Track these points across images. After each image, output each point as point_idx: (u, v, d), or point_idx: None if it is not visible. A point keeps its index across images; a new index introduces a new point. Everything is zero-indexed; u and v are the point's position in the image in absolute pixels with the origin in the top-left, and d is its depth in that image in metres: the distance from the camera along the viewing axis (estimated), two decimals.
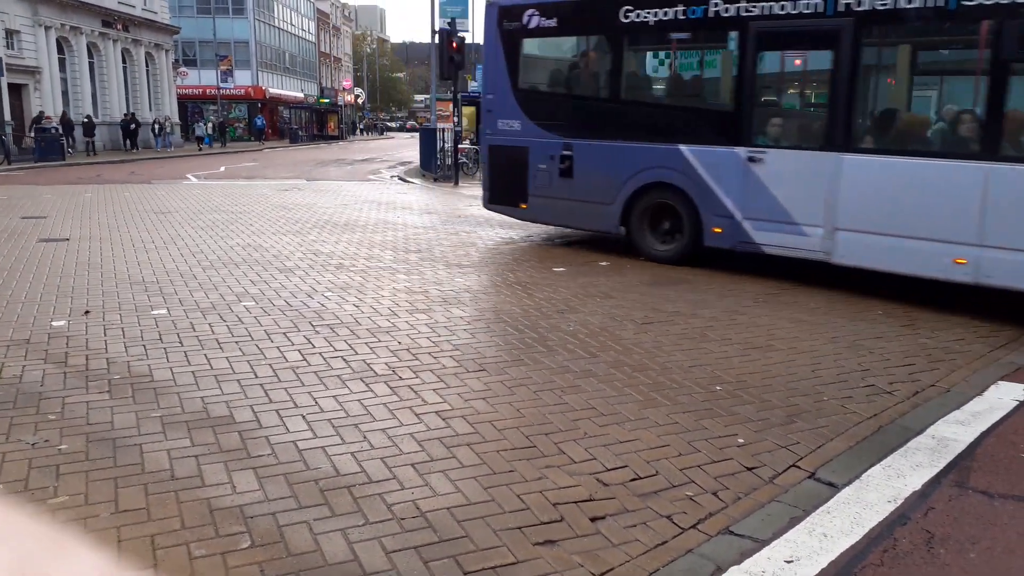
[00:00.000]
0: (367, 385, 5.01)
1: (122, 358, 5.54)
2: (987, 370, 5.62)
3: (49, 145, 28.98)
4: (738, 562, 3.06)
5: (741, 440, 4.27)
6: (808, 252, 8.17)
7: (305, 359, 5.53)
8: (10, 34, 31.22)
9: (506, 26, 10.64)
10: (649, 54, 10.25)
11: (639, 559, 3.08)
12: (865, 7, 7.56)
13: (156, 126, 39.31)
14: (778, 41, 8.55)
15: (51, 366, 5.35)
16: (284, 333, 6.20)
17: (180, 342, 5.94)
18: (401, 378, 5.16)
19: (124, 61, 40.07)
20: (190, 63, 53.70)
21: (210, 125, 45.86)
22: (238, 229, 12.09)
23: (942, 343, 6.34)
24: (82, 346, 5.83)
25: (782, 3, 8.13)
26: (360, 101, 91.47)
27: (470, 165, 23.71)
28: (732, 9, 8.49)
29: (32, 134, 29.71)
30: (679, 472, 3.85)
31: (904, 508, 3.51)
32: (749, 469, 3.91)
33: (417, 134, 32.63)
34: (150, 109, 41.76)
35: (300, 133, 58.54)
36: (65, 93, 35.01)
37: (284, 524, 3.26)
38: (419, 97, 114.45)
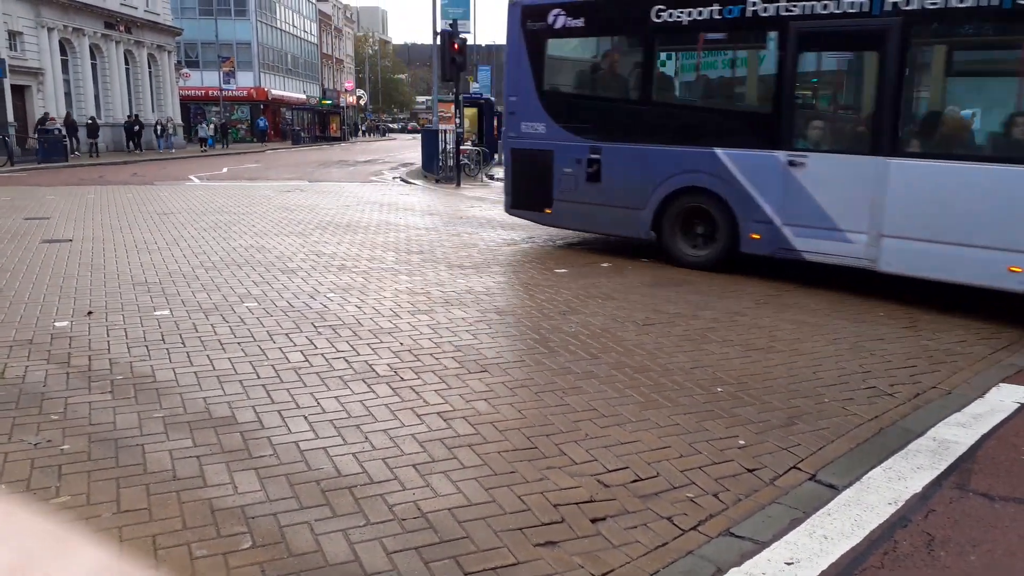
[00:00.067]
0: (369, 386, 5.02)
1: (125, 359, 5.55)
2: (988, 372, 5.62)
3: (52, 146, 29.02)
4: (738, 564, 3.07)
5: (742, 442, 4.27)
6: (852, 259, 7.91)
7: (307, 360, 5.54)
8: (13, 35, 31.28)
9: (530, 26, 10.36)
10: (683, 55, 9.90)
11: (639, 560, 3.09)
12: (914, 6, 7.28)
13: (158, 127, 39.37)
14: (820, 42, 8.33)
15: (54, 366, 5.37)
16: (286, 334, 6.21)
17: (183, 343, 5.95)
18: (403, 379, 5.17)
19: (126, 63, 40.14)
20: (192, 65, 53.80)
21: (212, 126, 45.90)
22: (240, 230, 12.11)
23: (944, 345, 6.34)
24: (85, 347, 5.84)
25: (824, 2, 7.87)
26: (362, 102, 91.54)
27: (472, 167, 23.73)
28: (771, 9, 8.23)
29: (35, 135, 29.77)
30: (680, 473, 3.86)
31: (905, 510, 3.51)
32: (750, 471, 3.91)
33: (419, 135, 32.66)
34: (152, 110, 41.82)
35: (302, 134, 58.62)
36: (68, 94, 35.07)
37: (285, 524, 3.27)
38: (421, 98, 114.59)
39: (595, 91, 10.68)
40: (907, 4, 7.33)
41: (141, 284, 8.03)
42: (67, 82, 35.20)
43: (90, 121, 34.31)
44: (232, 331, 6.29)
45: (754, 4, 8.36)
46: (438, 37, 22.65)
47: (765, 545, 3.20)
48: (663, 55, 9.74)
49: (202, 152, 40.79)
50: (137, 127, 37.26)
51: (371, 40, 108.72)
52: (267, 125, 55.38)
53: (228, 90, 52.44)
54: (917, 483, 3.77)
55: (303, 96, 68.70)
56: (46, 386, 4.97)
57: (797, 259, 8.35)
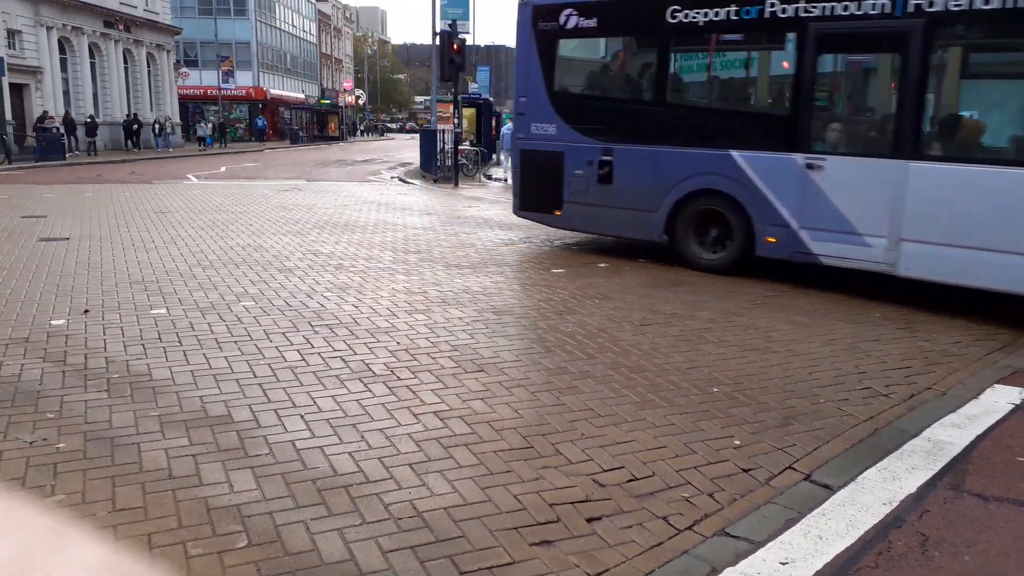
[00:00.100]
0: (365, 385, 5.02)
1: (121, 357, 5.55)
2: (983, 373, 5.63)
3: (50, 144, 28.99)
4: (733, 563, 3.07)
5: (737, 442, 4.28)
6: (871, 264, 7.79)
7: (304, 359, 5.54)
8: (12, 34, 31.24)
9: (541, 26, 10.21)
10: (698, 56, 9.70)
11: (635, 560, 3.09)
12: (938, 7, 7.14)
13: (156, 126, 39.34)
14: (840, 43, 8.20)
15: (50, 365, 5.36)
16: (283, 333, 6.22)
17: (179, 341, 5.95)
18: (399, 378, 5.17)
19: (125, 61, 40.09)
20: (191, 64, 53.75)
21: (210, 126, 45.88)
22: (238, 229, 12.10)
23: (939, 346, 6.35)
24: (81, 345, 5.84)
25: (845, 3, 7.73)
26: (361, 102, 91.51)
27: (470, 167, 23.75)
28: (790, 10, 8.10)
29: (34, 133, 29.75)
30: (675, 473, 3.86)
31: (899, 511, 3.52)
32: (745, 471, 3.92)
33: (417, 135, 32.66)
34: (151, 109, 41.78)
35: (301, 134, 58.59)
36: (66, 93, 35.03)
37: (281, 523, 3.27)
38: (419, 98, 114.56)
39: (607, 92, 10.53)
40: (930, 6, 7.20)
41: (138, 282, 8.03)
42: (66, 81, 35.16)
43: (88, 120, 34.28)
44: (229, 330, 6.29)
45: (772, 5, 8.23)
46: (437, 37, 22.65)
47: (760, 545, 3.20)
48: (678, 56, 9.60)
49: (200, 151, 40.75)
50: (136, 126, 37.22)
51: (370, 40, 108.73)
52: (266, 124, 55.33)
53: (227, 89, 52.40)
54: (912, 483, 3.78)
55: (302, 96, 68.67)
56: (42, 384, 4.97)
57: (814, 263, 8.23)
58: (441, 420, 4.46)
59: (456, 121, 22.29)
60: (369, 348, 5.85)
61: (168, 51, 44.27)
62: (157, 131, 39.18)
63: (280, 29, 65.21)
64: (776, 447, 4.22)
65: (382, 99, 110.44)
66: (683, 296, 7.97)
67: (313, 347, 5.84)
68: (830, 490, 3.71)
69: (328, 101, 73.55)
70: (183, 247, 10.29)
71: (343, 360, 5.54)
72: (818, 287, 8.35)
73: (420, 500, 3.50)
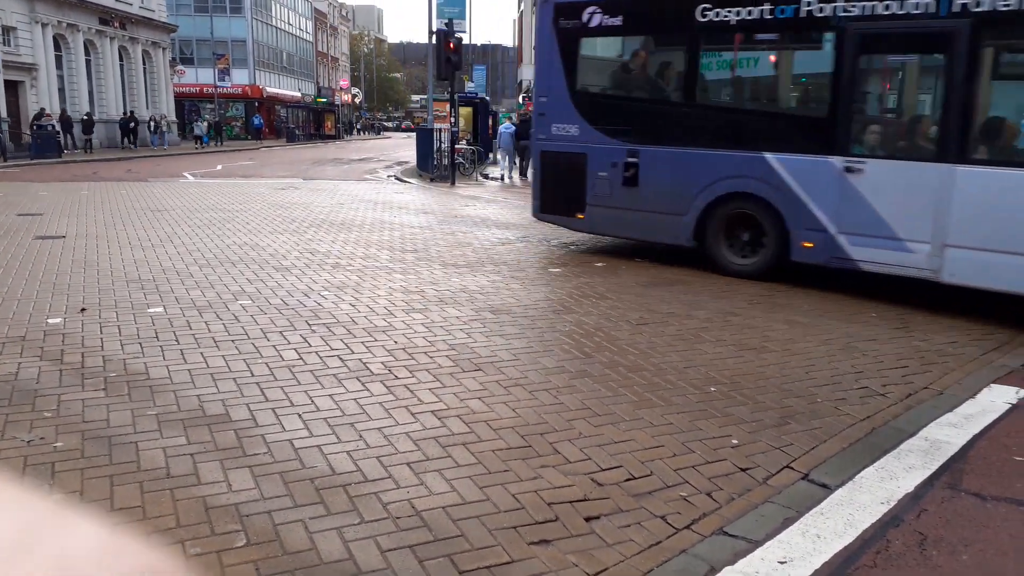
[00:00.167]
0: (363, 384, 5.02)
1: (118, 356, 5.54)
2: (980, 373, 5.65)
3: (45, 142, 28.92)
4: (732, 562, 3.08)
5: (735, 441, 4.28)
6: (913, 270, 7.53)
7: (301, 358, 5.54)
8: (6, 31, 31.15)
9: (563, 24, 9.90)
10: (730, 56, 9.36)
11: (633, 559, 3.10)
12: (985, 7, 6.90)
13: (152, 124, 39.25)
14: (881, 44, 7.95)
15: (47, 363, 5.35)
16: (280, 332, 6.21)
17: (176, 340, 5.94)
18: (397, 377, 5.17)
19: (121, 59, 39.98)
20: (187, 62, 53.62)
21: (205, 124, 45.80)
22: (234, 227, 12.08)
23: (935, 346, 6.37)
24: (78, 344, 5.82)
25: (887, 3, 7.47)
26: (357, 101, 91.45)
27: (466, 165, 23.74)
28: (828, 9, 7.84)
29: (29, 131, 29.67)
30: (673, 472, 3.87)
31: (897, 510, 3.53)
32: (743, 470, 3.93)
33: (414, 134, 32.65)
34: (147, 107, 41.68)
35: (297, 132, 58.47)
36: (61, 90, 34.93)
37: (279, 523, 3.27)
38: (416, 97, 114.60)
39: (633, 92, 10.23)
40: (977, 5, 6.98)
41: (135, 281, 8.01)
42: (61, 78, 35.06)
43: (85, 117, 34.20)
44: (226, 329, 6.28)
45: (809, 4, 7.97)
46: (433, 36, 22.65)
47: (758, 544, 3.21)
48: (709, 56, 9.30)
49: (197, 149, 40.67)
50: (132, 123, 37.14)
51: (367, 38, 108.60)
52: (262, 123, 55.24)
53: (223, 87, 52.30)
54: (909, 483, 3.79)
55: (298, 94, 68.57)
56: (39, 383, 4.96)
57: (853, 269, 8.00)
58: (439, 419, 4.46)
59: (453, 120, 22.28)
60: (366, 347, 5.84)
61: (164, 49, 44.16)
62: (152, 129, 39.09)
63: (276, 27, 65.11)
64: (774, 446, 4.23)
65: (378, 98, 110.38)
66: (680, 295, 7.98)
67: (310, 346, 5.84)
68: (828, 489, 3.72)
69: (324, 99, 73.46)
70: (179, 245, 10.28)
71: (340, 359, 5.54)
72: (815, 287, 8.37)
73: (418, 499, 3.50)
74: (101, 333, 6.12)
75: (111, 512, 3.34)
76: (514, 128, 23.77)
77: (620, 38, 10.15)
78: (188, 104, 52.49)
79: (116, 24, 38.50)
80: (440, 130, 22.70)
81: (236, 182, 21.68)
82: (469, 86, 43.13)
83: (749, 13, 8.43)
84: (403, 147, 44.51)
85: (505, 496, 3.56)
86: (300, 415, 4.46)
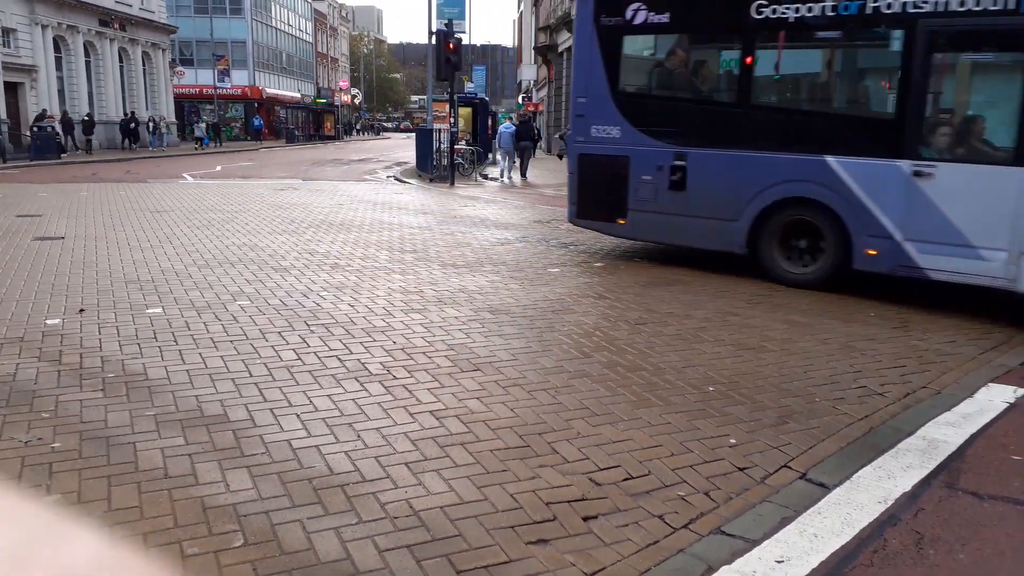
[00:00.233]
0: (361, 384, 5.02)
1: (116, 356, 5.54)
2: (978, 372, 5.65)
3: (45, 143, 28.92)
4: (729, 562, 3.08)
5: (733, 440, 4.29)
6: (987, 279, 7.19)
7: (300, 358, 5.54)
8: (6, 32, 31.16)
9: (604, 21, 9.49)
10: (788, 54, 8.99)
11: (631, 558, 3.10)
12: None
13: (151, 125, 39.27)
14: (955, 42, 7.59)
15: (45, 364, 5.35)
16: (279, 332, 6.21)
17: (175, 341, 5.94)
18: (395, 377, 5.17)
19: (121, 60, 40.00)
20: (187, 63, 53.63)
21: (204, 125, 45.83)
22: (234, 228, 12.09)
23: (933, 345, 6.37)
24: (76, 344, 5.83)
25: None
26: (357, 101, 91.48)
27: (466, 166, 23.76)
28: (897, 5, 7.47)
29: (29, 132, 29.68)
30: (671, 472, 3.87)
31: (894, 509, 3.53)
32: (741, 469, 3.93)
33: (413, 135, 32.65)
34: (147, 108, 41.69)
35: (296, 133, 58.48)
36: (61, 92, 34.94)
37: (277, 523, 3.27)
38: (415, 98, 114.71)
39: (681, 92, 9.81)
40: None
41: (133, 282, 8.01)
42: (61, 79, 35.07)
43: (86, 118, 34.22)
44: (225, 329, 6.28)
45: (875, 0, 7.63)
46: (433, 37, 22.66)
47: (756, 543, 3.21)
48: (765, 54, 8.89)
49: (197, 150, 40.69)
50: (133, 124, 37.16)
51: (366, 39, 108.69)
52: (262, 124, 55.25)
53: (223, 88, 52.30)
54: (907, 482, 3.79)
55: (298, 95, 68.60)
56: (37, 384, 4.96)
57: (921, 277, 7.65)
58: (437, 419, 4.46)
59: (452, 120, 22.29)
60: (365, 347, 5.85)
61: (164, 50, 44.19)
62: (151, 130, 39.11)
63: (276, 28, 65.16)
64: (771, 446, 4.23)
65: (378, 98, 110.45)
66: (679, 295, 7.98)
67: (309, 346, 5.84)
68: (825, 488, 3.72)
69: (324, 100, 73.50)
70: (178, 246, 10.28)
71: (339, 359, 5.54)
72: (813, 286, 8.36)
73: (416, 499, 3.50)
74: (99, 334, 6.12)
75: (109, 512, 3.34)
76: (514, 128, 23.79)
77: (667, 36, 9.73)
78: (188, 105, 52.52)
79: (116, 25, 38.51)
80: (439, 130, 22.72)
81: (235, 183, 21.69)
82: (469, 86, 43.20)
83: (809, 10, 8.02)
84: (402, 148, 44.53)
85: (503, 496, 3.56)
86: (298, 415, 4.46)
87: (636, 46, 9.92)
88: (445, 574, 2.96)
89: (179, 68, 49.30)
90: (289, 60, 69.19)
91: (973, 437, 4.41)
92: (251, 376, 5.14)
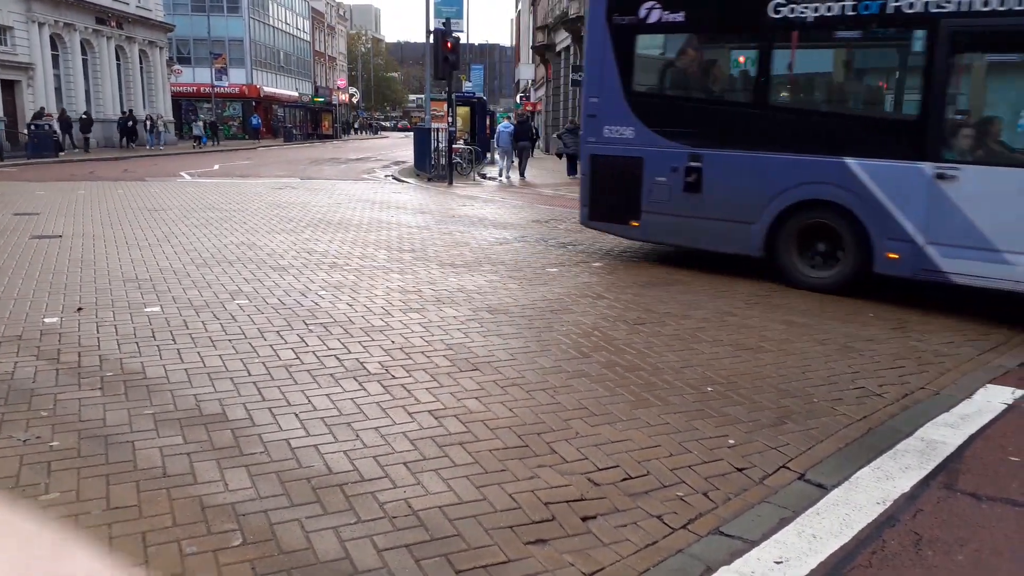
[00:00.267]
0: (360, 384, 5.02)
1: (115, 355, 5.53)
2: (976, 373, 5.66)
3: (42, 141, 28.86)
4: (728, 562, 3.08)
5: (731, 441, 4.29)
6: (1011, 283, 7.08)
7: (298, 357, 5.54)
8: (3, 30, 31.10)
9: (617, 20, 9.34)
10: (807, 54, 8.88)
11: (630, 559, 3.10)
12: None
13: (148, 123, 39.22)
14: (980, 42, 7.47)
15: (43, 363, 5.34)
16: (277, 331, 6.20)
17: (173, 339, 5.93)
18: (394, 377, 5.17)
19: (118, 58, 39.94)
20: (185, 61, 53.58)
21: (202, 123, 45.77)
22: (232, 227, 12.07)
23: (932, 346, 6.38)
24: (74, 343, 5.82)
25: None
26: (354, 100, 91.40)
27: (464, 165, 23.75)
28: (919, 4, 7.33)
29: (26, 130, 29.63)
30: (670, 472, 3.87)
31: (893, 510, 3.53)
32: (739, 470, 3.93)
33: (411, 134, 32.65)
34: (144, 107, 41.64)
35: (294, 132, 58.44)
36: (58, 90, 34.89)
37: (276, 522, 3.27)
38: (413, 97, 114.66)
39: (697, 92, 9.67)
40: None
41: (131, 280, 8.00)
42: (57, 77, 35.01)
43: (84, 116, 34.17)
44: (223, 328, 6.27)
45: (897, 0, 7.49)
46: (431, 36, 22.65)
47: (754, 544, 3.22)
48: (783, 54, 8.75)
49: (195, 149, 40.64)
50: (131, 123, 37.11)
51: (364, 38, 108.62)
52: (260, 123, 55.19)
53: (220, 87, 52.26)
54: (905, 483, 3.80)
55: (295, 93, 68.53)
56: (35, 382, 4.95)
57: (943, 282, 7.50)
58: (436, 419, 4.46)
59: (450, 120, 22.28)
60: (364, 347, 5.84)
61: (161, 48, 44.13)
62: (149, 128, 39.06)
63: (273, 27, 65.11)
64: (770, 446, 4.23)
65: (376, 97, 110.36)
66: (677, 295, 7.98)
67: (307, 345, 5.83)
68: (824, 489, 3.73)
69: (322, 99, 73.43)
70: (176, 245, 10.26)
71: (337, 358, 5.53)
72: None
73: (415, 499, 3.50)
74: (98, 332, 6.11)
75: (108, 511, 3.33)
76: (512, 128, 23.79)
77: (682, 35, 9.58)
78: (185, 104, 52.48)
79: (113, 23, 38.45)
80: (437, 130, 22.71)
81: (233, 182, 21.66)
82: (467, 86, 43.18)
83: (828, 9, 7.89)
84: (400, 147, 44.51)
85: (502, 496, 3.56)
86: (297, 414, 4.46)
87: (650, 45, 9.74)
88: (444, 574, 2.96)
89: (176, 66, 49.24)
90: (287, 59, 69.14)
91: (971, 438, 4.41)
92: (249, 375, 5.13)
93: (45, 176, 21.66)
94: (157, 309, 6.86)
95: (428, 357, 5.63)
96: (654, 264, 9.75)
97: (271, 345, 5.82)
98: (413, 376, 5.20)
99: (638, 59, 9.54)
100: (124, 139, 36.96)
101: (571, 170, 24.22)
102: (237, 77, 56.55)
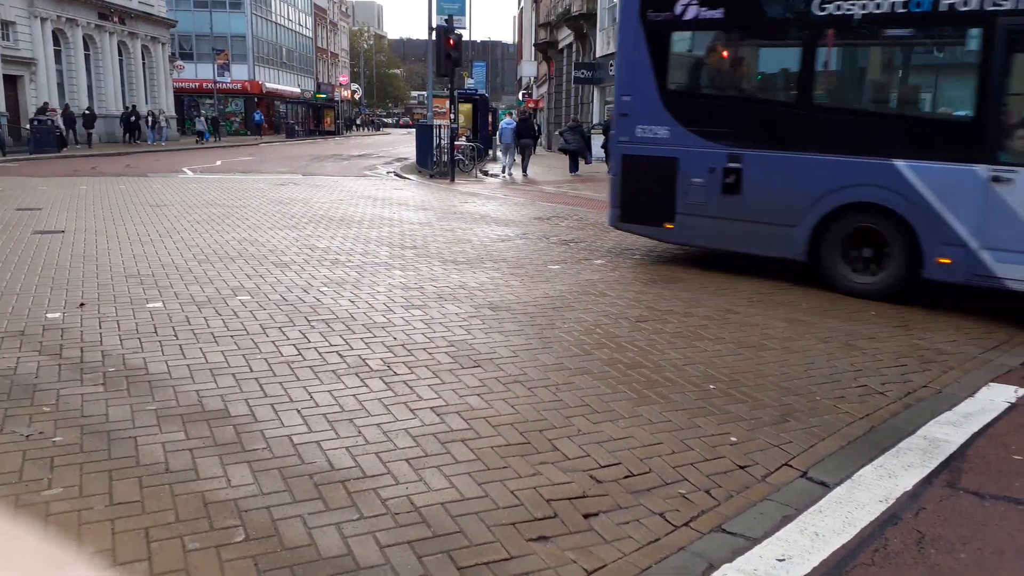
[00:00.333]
0: (362, 380, 5.02)
1: (117, 351, 5.54)
2: (979, 372, 5.65)
3: (44, 137, 28.89)
4: (730, 560, 3.08)
5: (734, 438, 4.29)
6: None
7: (300, 354, 5.54)
8: (5, 25, 31.11)
9: (651, 17, 9.10)
10: (854, 52, 8.66)
11: (632, 556, 3.10)
12: None
13: (150, 119, 39.24)
14: None
15: (46, 358, 5.35)
16: (279, 327, 6.21)
17: (175, 335, 5.93)
18: (396, 373, 5.17)
19: (120, 54, 39.97)
20: (187, 57, 53.62)
21: (203, 119, 45.77)
22: (234, 223, 12.07)
23: (934, 344, 6.37)
24: (77, 338, 5.82)
25: None
26: (357, 97, 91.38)
27: (466, 162, 23.74)
28: (974, 2, 7.08)
29: (29, 125, 29.65)
30: (672, 470, 3.87)
31: (895, 508, 3.53)
32: (742, 467, 3.93)
33: (413, 131, 32.63)
34: (146, 102, 41.67)
35: (296, 128, 58.44)
36: (60, 85, 34.93)
37: (278, 518, 3.27)
38: (415, 93, 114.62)
39: (737, 91, 9.40)
40: None
41: (134, 276, 8.00)
42: (60, 73, 35.05)
43: (87, 112, 34.18)
44: (225, 324, 6.28)
45: None
46: (433, 32, 22.62)
47: (757, 542, 3.21)
48: (829, 52, 8.50)
49: (198, 144, 40.64)
50: (134, 118, 37.13)
51: (366, 34, 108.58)
52: (263, 119, 55.19)
53: (222, 83, 52.26)
54: (908, 481, 3.80)
55: (297, 90, 68.53)
56: (38, 378, 4.95)
57: (997, 288, 7.26)
58: (438, 415, 4.46)
59: (452, 116, 22.27)
60: (366, 343, 5.84)
61: (163, 44, 44.15)
62: (151, 124, 39.08)
63: (276, 23, 65.11)
64: (772, 444, 4.23)
65: (378, 94, 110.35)
66: (679, 293, 7.97)
67: (309, 342, 5.83)
68: (826, 487, 3.72)
69: (324, 95, 73.40)
70: (179, 241, 10.27)
71: (339, 355, 5.53)
72: (813, 285, 8.36)
73: (417, 495, 3.50)
74: (100, 328, 6.12)
75: (110, 506, 3.33)
76: (515, 124, 23.77)
77: (721, 32, 9.31)
78: (187, 99, 52.51)
79: (115, 19, 38.46)
80: (440, 127, 22.70)
81: (235, 178, 21.67)
82: (469, 83, 43.13)
83: (877, 6, 7.63)
84: (402, 143, 44.50)
85: (504, 492, 3.56)
86: (299, 411, 4.46)
87: (686, 43, 9.51)
88: (446, 570, 2.96)
89: (179, 62, 49.29)
90: (289, 55, 69.13)
91: (974, 436, 4.41)
92: (252, 371, 5.14)
93: (47, 171, 21.68)
94: (159, 305, 6.86)
95: (430, 354, 5.63)
96: (656, 262, 9.74)
97: (273, 341, 5.82)
98: (415, 373, 5.20)
99: (673, 57, 9.29)
100: (127, 135, 36.96)
101: (573, 167, 24.21)
102: (239, 73, 56.56)
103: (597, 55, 34.22)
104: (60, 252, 9.32)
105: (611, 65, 30.99)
